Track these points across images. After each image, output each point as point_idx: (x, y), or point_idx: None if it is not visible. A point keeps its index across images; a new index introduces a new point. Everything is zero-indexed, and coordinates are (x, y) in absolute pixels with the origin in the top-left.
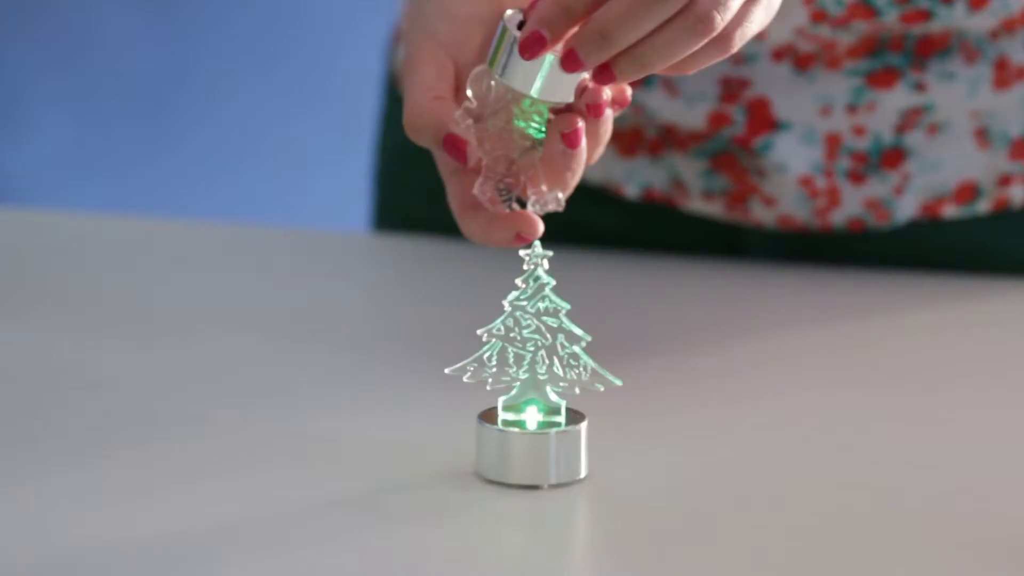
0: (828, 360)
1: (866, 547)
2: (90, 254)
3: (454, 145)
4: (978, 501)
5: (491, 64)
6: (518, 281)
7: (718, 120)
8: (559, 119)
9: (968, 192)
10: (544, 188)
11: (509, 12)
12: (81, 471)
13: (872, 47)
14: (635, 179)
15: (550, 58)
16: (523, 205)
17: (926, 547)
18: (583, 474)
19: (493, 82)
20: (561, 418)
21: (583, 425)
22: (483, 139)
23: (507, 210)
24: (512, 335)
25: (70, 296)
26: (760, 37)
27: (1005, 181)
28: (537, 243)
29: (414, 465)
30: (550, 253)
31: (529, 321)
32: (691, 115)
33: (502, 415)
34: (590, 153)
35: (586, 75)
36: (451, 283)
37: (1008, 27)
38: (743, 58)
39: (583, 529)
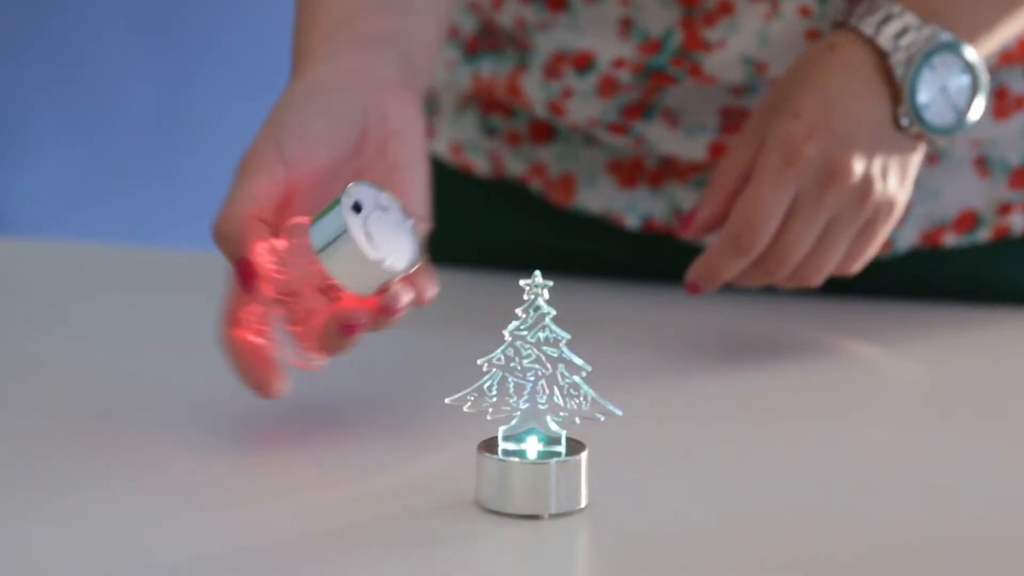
0: (830, 389)
1: None
2: (89, 283)
3: (247, 272)
4: (982, 530)
5: (312, 225)
6: (518, 311)
7: (718, 151)
8: (347, 310)
9: (968, 221)
10: (312, 349)
11: (351, 186)
12: (82, 501)
13: None
14: (635, 210)
15: (370, 255)
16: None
17: None
18: (583, 504)
19: (308, 241)
20: (561, 448)
21: (583, 455)
22: (277, 281)
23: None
24: (512, 365)
25: (69, 325)
26: (760, 70)
27: (1005, 209)
28: (537, 273)
29: (414, 495)
30: (550, 283)
31: (529, 351)
32: (691, 146)
33: (502, 445)
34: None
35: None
36: (451, 313)
37: (1006, 62)
38: (743, 89)
39: (583, 559)
